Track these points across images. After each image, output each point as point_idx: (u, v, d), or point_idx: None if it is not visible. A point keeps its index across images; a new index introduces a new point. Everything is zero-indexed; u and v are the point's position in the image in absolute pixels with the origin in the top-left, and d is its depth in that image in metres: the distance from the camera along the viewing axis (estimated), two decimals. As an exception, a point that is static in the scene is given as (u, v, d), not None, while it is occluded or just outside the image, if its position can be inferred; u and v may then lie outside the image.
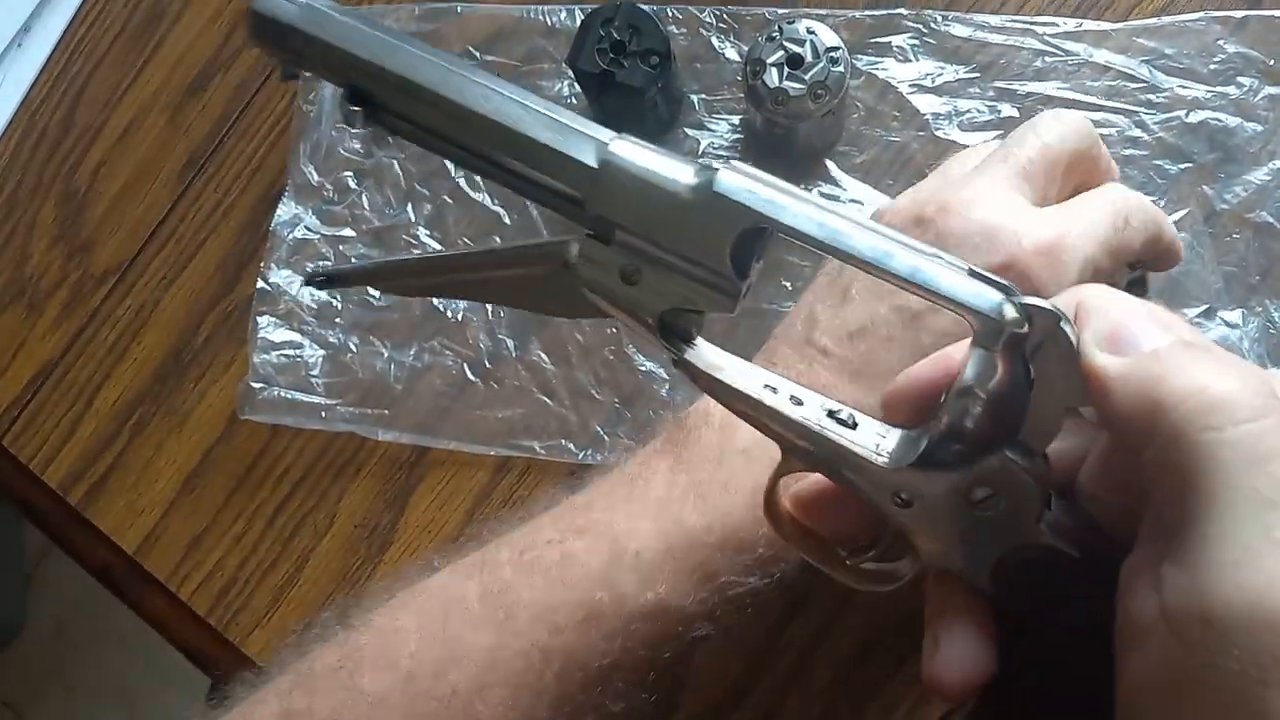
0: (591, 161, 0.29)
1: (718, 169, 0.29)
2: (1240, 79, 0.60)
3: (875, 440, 0.30)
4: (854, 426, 0.30)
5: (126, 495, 0.69)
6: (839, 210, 0.28)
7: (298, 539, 0.67)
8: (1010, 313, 0.26)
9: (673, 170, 0.29)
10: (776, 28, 0.58)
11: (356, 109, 0.30)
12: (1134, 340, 0.26)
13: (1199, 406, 0.24)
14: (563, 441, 0.63)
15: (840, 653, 0.55)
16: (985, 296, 0.26)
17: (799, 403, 0.31)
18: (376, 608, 0.45)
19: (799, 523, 0.34)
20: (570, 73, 0.63)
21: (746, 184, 0.28)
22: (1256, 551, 0.23)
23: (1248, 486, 0.24)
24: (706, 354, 0.31)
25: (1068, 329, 0.27)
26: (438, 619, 0.43)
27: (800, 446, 0.30)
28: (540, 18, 0.68)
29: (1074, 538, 0.28)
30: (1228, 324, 0.59)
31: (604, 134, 0.30)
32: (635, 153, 0.29)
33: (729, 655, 0.46)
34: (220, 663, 0.68)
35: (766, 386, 0.31)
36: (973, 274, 0.27)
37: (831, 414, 0.30)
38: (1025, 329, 0.26)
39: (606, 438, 0.63)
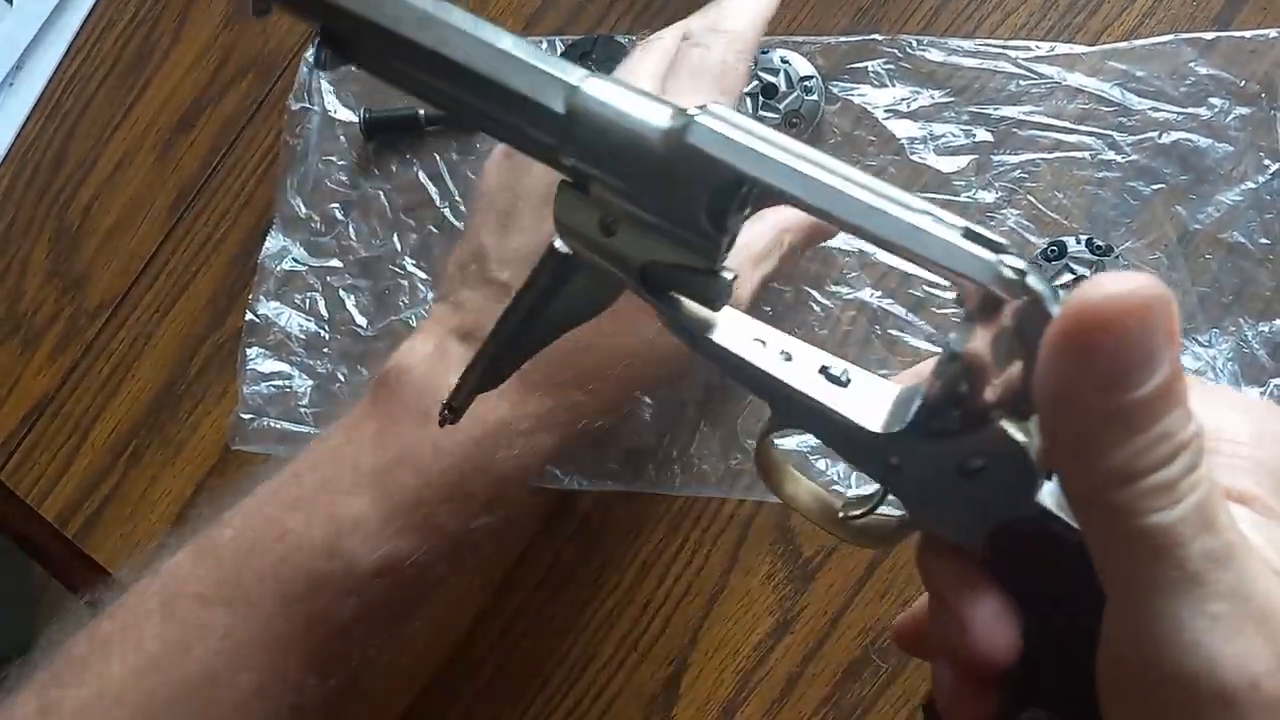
0: (560, 108, 0.27)
1: (694, 115, 0.26)
2: (1211, 100, 0.61)
3: (868, 401, 0.28)
4: (846, 384, 0.29)
5: (122, 527, 0.70)
6: (827, 162, 0.26)
7: (291, 567, 0.68)
8: (1006, 277, 0.24)
9: (646, 116, 0.27)
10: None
11: (328, 50, 0.29)
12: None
13: (1136, 492, 0.23)
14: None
15: (828, 672, 0.56)
16: (981, 264, 0.24)
17: (789, 358, 0.29)
18: (123, 592, 0.48)
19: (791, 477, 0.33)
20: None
21: (724, 132, 0.26)
22: (1198, 628, 0.23)
23: (1173, 567, 0.23)
24: (692, 308, 0.29)
25: (1052, 309, 0.24)
26: (176, 601, 0.45)
27: (789, 405, 0.29)
28: (521, 49, 0.69)
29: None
30: (1201, 344, 0.59)
31: (575, 74, 0.28)
32: (607, 96, 0.27)
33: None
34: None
35: (756, 340, 0.29)
36: (968, 234, 0.24)
37: (824, 369, 0.29)
38: (1021, 298, 0.24)
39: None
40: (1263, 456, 0.28)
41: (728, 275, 0.28)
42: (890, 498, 0.30)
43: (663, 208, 0.27)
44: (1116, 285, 0.22)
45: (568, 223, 0.29)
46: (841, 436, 0.28)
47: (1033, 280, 0.24)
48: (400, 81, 0.29)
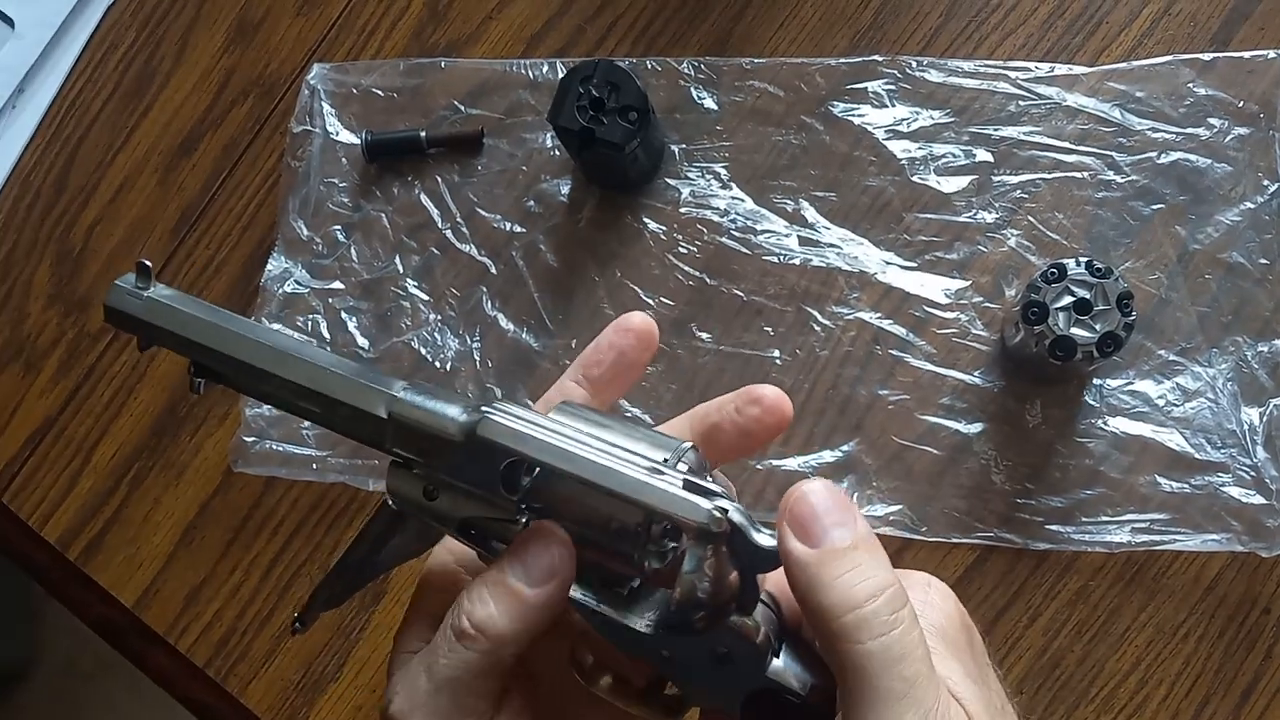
0: (382, 414, 0.35)
1: (485, 413, 0.34)
2: (1210, 120, 0.61)
3: (641, 607, 0.36)
4: (627, 595, 0.36)
5: (125, 549, 0.70)
6: (586, 440, 0.34)
7: (294, 589, 0.68)
8: (716, 524, 0.32)
9: (448, 415, 0.34)
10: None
11: (199, 379, 0.37)
12: (818, 534, 0.32)
13: (851, 624, 0.31)
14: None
15: None
16: (698, 510, 0.32)
17: (586, 583, 0.36)
18: None
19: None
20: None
21: (507, 425, 0.34)
22: None
23: (883, 686, 0.31)
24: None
25: (755, 536, 0.33)
26: None
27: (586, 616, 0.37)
28: (523, 71, 0.69)
29: (803, 676, 0.35)
30: (1200, 364, 0.59)
31: (396, 386, 0.35)
32: (417, 403, 0.35)
33: None
34: (219, 713, 0.69)
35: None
36: (687, 485, 0.32)
37: (611, 587, 0.36)
38: (729, 530, 0.32)
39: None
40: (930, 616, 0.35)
41: (523, 521, 0.36)
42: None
43: (468, 482, 0.35)
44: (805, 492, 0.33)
45: (397, 490, 0.36)
46: (624, 637, 0.35)
47: (735, 517, 0.32)
48: (258, 396, 0.37)
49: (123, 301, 0.36)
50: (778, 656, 0.35)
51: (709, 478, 0.35)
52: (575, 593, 0.36)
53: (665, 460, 0.34)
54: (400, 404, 0.35)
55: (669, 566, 0.35)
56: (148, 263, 0.37)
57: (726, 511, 0.32)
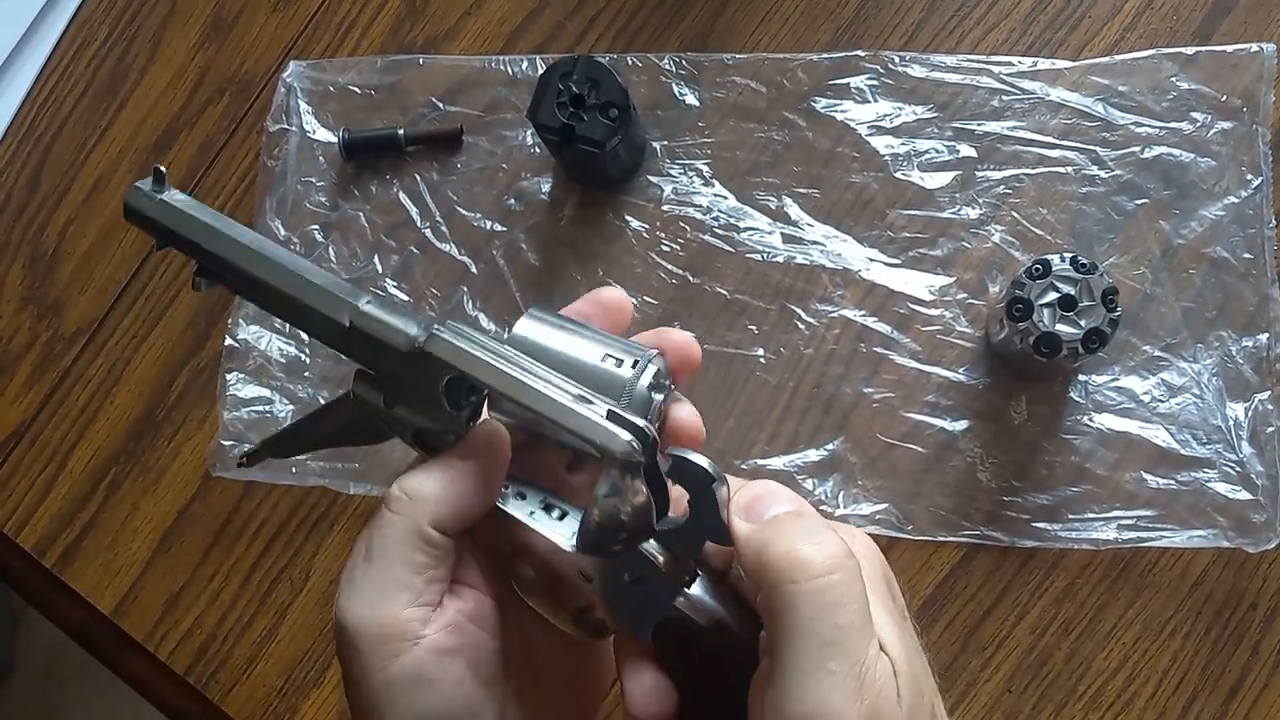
0: (345, 322, 0.38)
1: (435, 331, 0.37)
2: (1194, 114, 0.61)
3: (566, 528, 0.38)
4: (562, 518, 0.39)
5: (103, 555, 0.69)
6: (525, 364, 0.36)
7: (274, 594, 0.67)
8: (632, 454, 0.34)
9: (400, 329, 0.37)
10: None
11: (201, 278, 0.39)
12: (762, 511, 0.35)
13: (787, 565, 0.32)
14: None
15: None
16: (616, 440, 0.35)
17: (521, 496, 0.39)
18: None
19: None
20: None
21: (450, 342, 0.37)
22: (815, 678, 0.31)
23: (814, 630, 0.31)
24: None
25: (717, 490, 0.36)
26: None
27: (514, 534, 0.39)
28: (501, 68, 0.68)
29: (713, 611, 0.37)
30: (1185, 359, 0.59)
31: (363, 299, 0.38)
32: (377, 314, 0.38)
33: None
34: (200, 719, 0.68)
35: (517, 494, 0.39)
36: (610, 416, 0.35)
37: (547, 507, 0.39)
38: (641, 458, 0.35)
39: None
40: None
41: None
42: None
43: (415, 395, 0.38)
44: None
45: (361, 395, 0.39)
46: (550, 551, 0.38)
47: (696, 459, 0.36)
48: (253, 300, 0.39)
49: (140, 201, 0.39)
50: (688, 588, 0.37)
51: (671, 388, 0.39)
52: (511, 508, 0.39)
53: (635, 364, 0.37)
54: (361, 315, 0.38)
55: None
56: (163, 169, 0.40)
57: (647, 441, 0.35)
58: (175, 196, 0.39)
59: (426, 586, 0.37)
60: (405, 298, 0.67)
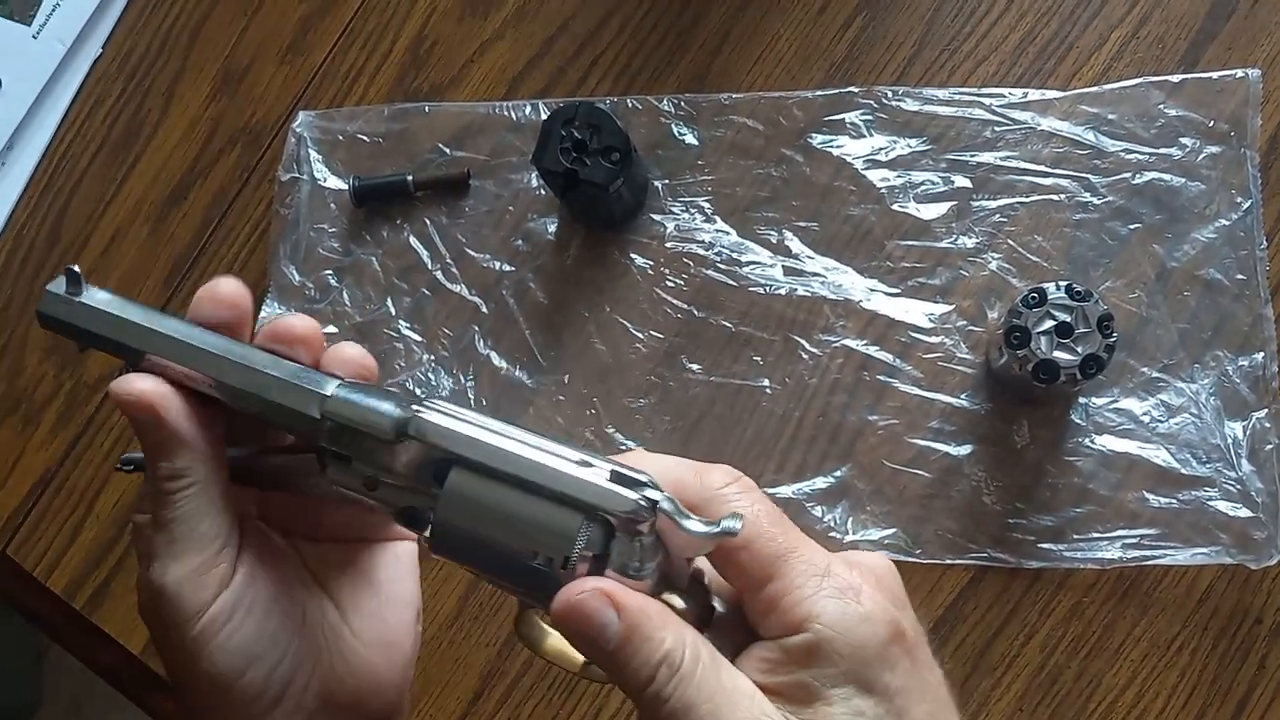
0: (315, 414, 0.36)
1: (416, 412, 0.36)
2: (1182, 139, 0.62)
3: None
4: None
5: (130, 596, 0.71)
6: (515, 435, 0.35)
7: (298, 632, 0.69)
8: (643, 513, 0.34)
9: (381, 413, 0.36)
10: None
11: (128, 465, 0.39)
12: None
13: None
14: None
15: None
16: (624, 501, 0.34)
17: None
18: None
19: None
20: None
21: (438, 423, 0.35)
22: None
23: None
24: None
25: (685, 523, 0.34)
26: None
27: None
28: (506, 113, 0.70)
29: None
30: (1183, 380, 0.60)
31: (329, 385, 0.37)
32: (350, 401, 0.36)
33: None
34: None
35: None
36: (614, 477, 0.34)
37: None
38: (651, 516, 0.34)
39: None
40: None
41: None
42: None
43: (402, 476, 0.37)
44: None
45: (341, 482, 0.38)
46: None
47: (664, 505, 0.34)
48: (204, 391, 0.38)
49: (55, 308, 0.37)
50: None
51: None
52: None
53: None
54: (332, 403, 0.36)
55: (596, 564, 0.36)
56: (76, 269, 0.37)
57: (657, 502, 0.34)
58: (96, 296, 0.37)
59: (217, 536, 0.39)
60: (419, 338, 0.69)
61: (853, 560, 0.36)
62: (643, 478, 0.35)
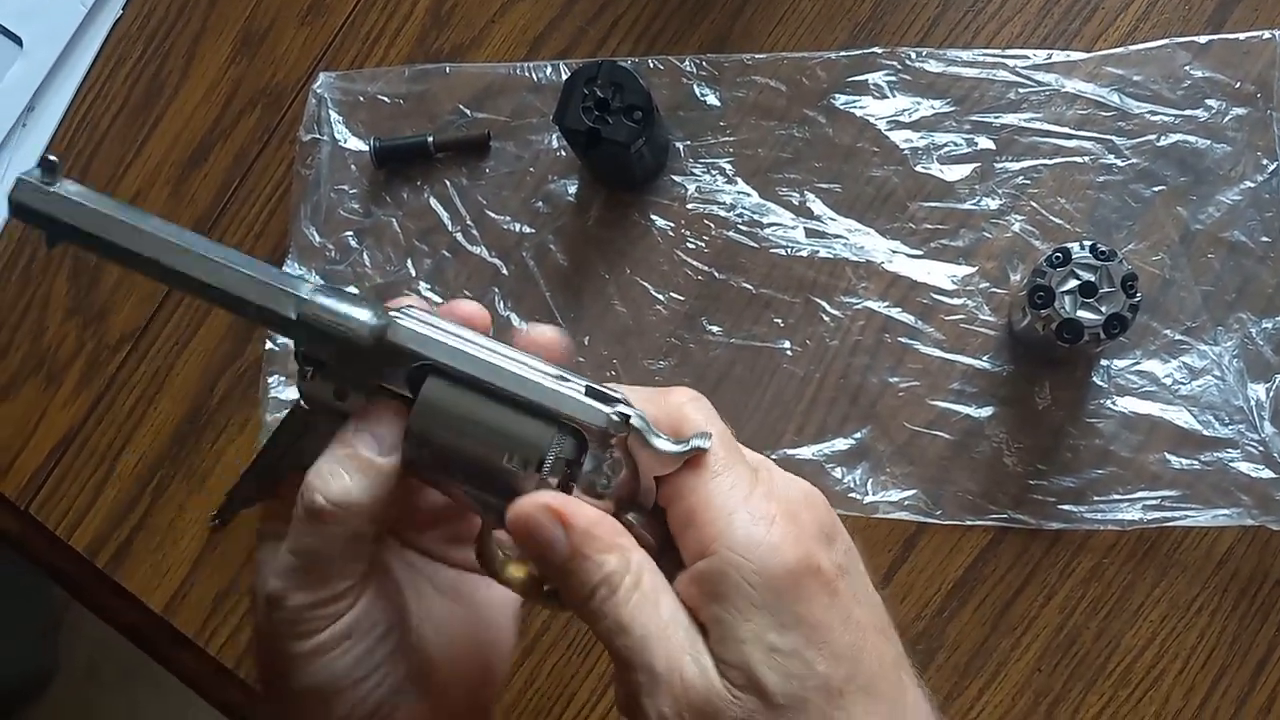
0: (291, 315, 0.36)
1: (394, 317, 0.36)
2: (1208, 101, 0.62)
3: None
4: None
5: (152, 556, 0.71)
6: (495, 347, 0.36)
7: (319, 591, 0.69)
8: (616, 428, 0.35)
9: (358, 319, 0.36)
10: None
11: (58, 241, 0.37)
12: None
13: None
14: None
15: None
16: (599, 415, 0.35)
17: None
18: None
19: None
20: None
21: (416, 329, 0.36)
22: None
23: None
24: None
25: (655, 441, 0.36)
26: None
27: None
28: (526, 74, 0.70)
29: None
30: (1206, 342, 0.60)
31: (304, 288, 0.36)
32: (326, 305, 0.36)
33: None
34: (252, 713, 0.70)
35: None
36: (589, 391, 0.35)
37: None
38: (623, 432, 0.35)
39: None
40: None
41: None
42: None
43: (376, 382, 0.36)
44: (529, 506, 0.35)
45: (309, 392, 0.37)
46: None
47: (636, 422, 0.35)
48: (176, 286, 0.37)
49: (29, 197, 0.35)
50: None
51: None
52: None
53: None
54: (309, 305, 0.36)
55: (563, 480, 0.36)
56: (54, 158, 0.36)
57: (628, 417, 0.35)
58: (69, 188, 0.36)
59: (355, 579, 0.38)
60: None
61: (776, 491, 0.36)
62: (617, 395, 0.36)
